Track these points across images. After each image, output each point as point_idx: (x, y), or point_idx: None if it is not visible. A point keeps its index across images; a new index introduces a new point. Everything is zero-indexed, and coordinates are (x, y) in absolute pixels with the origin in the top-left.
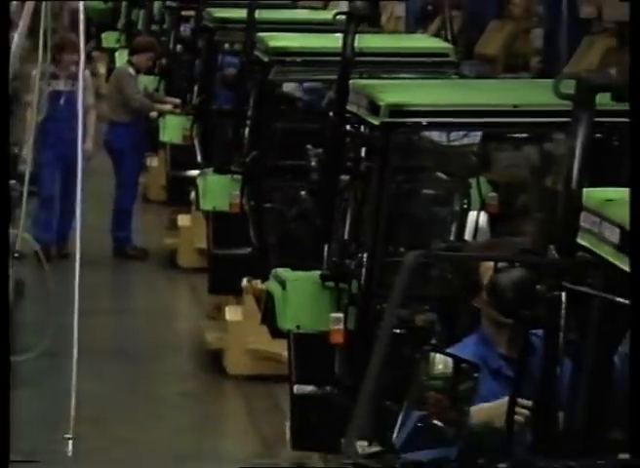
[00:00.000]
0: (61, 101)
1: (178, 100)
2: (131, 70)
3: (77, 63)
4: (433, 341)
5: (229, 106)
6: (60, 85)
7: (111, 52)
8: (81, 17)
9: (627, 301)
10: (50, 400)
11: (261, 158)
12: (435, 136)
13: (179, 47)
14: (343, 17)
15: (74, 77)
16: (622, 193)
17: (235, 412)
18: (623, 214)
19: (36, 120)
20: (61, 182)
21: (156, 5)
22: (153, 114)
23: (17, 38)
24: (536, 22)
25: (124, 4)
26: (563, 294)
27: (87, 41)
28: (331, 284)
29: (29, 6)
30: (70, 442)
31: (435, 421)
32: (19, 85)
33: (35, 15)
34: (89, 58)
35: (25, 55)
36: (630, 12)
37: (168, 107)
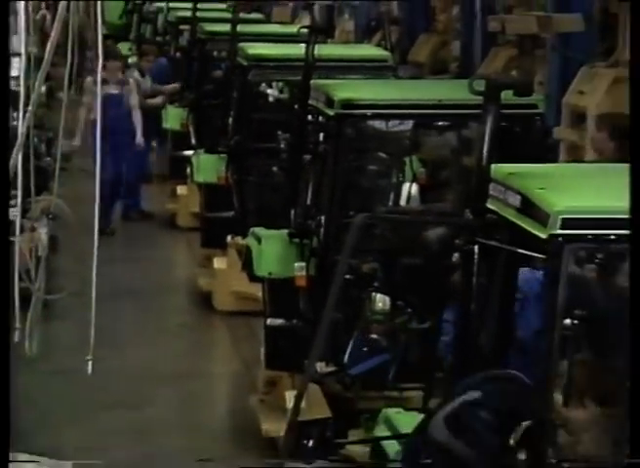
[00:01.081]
0: (112, 102)
1: (177, 85)
2: (136, 74)
3: (122, 70)
4: (375, 285)
5: (217, 101)
6: (111, 89)
7: (125, 58)
8: (99, 32)
9: (526, 252)
10: (75, 330)
11: (242, 141)
12: (377, 124)
13: (178, 54)
14: (306, 30)
15: (122, 82)
16: (522, 168)
17: (221, 340)
18: (523, 184)
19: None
20: (113, 168)
21: (160, 21)
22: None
23: (49, 46)
24: (455, 36)
25: (135, 20)
26: (476, 247)
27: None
28: (296, 240)
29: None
30: (90, 362)
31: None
32: (53, 84)
33: (64, 28)
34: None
35: (57, 60)
36: (630, 11)
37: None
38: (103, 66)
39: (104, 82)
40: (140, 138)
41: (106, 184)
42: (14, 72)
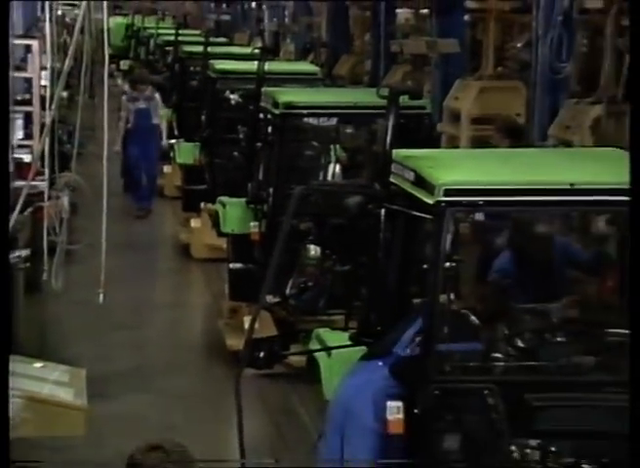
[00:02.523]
0: (140, 114)
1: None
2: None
3: (149, 88)
4: (310, 238)
5: (193, 103)
6: (141, 105)
7: (125, 72)
8: (106, 52)
9: (419, 214)
10: (89, 271)
11: (212, 133)
12: (311, 120)
13: (165, 69)
14: (258, 51)
15: (149, 99)
16: (415, 152)
17: (197, 280)
18: (416, 164)
19: (125, 128)
20: (141, 163)
21: (151, 44)
22: None
23: (67, 63)
24: (367, 56)
25: (133, 43)
26: (383, 210)
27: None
28: (252, 206)
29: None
30: (101, 295)
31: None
32: (73, 91)
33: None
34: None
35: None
36: (630, 12)
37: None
38: (135, 87)
39: (136, 99)
40: (165, 141)
41: (135, 177)
42: (43, 82)
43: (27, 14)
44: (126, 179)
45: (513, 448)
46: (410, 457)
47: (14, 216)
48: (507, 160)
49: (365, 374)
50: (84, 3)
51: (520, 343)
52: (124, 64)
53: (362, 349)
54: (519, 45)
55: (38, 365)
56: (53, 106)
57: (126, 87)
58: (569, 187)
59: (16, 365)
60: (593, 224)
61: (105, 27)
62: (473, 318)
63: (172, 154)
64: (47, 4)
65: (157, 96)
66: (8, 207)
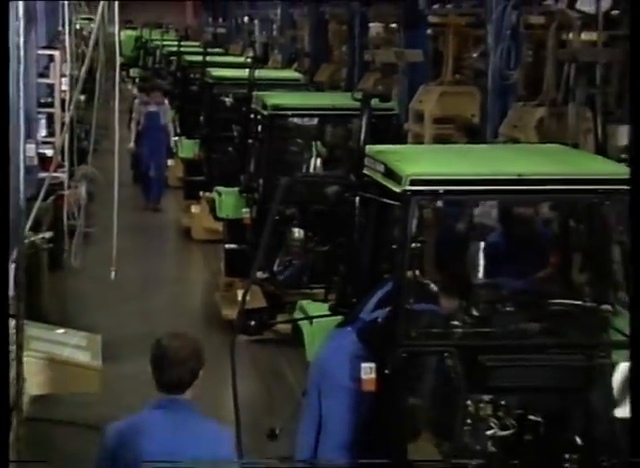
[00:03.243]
0: (151, 117)
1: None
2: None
3: (160, 94)
4: (294, 222)
5: (193, 105)
6: (152, 108)
7: (135, 78)
8: (117, 61)
9: (388, 201)
10: (103, 251)
11: (210, 131)
12: (295, 120)
13: (169, 76)
14: (250, 60)
15: (159, 103)
16: (385, 147)
17: (197, 258)
18: (386, 157)
19: (137, 129)
20: (151, 161)
21: (157, 54)
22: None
23: (83, 70)
24: (344, 64)
25: (141, 53)
26: (357, 198)
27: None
28: (244, 194)
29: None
30: (113, 271)
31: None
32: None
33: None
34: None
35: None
36: (630, 11)
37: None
38: (148, 94)
39: (148, 103)
40: (172, 140)
41: (145, 168)
42: (63, 87)
43: (50, 28)
44: (135, 172)
45: (469, 402)
46: (379, 412)
47: (37, 204)
48: (464, 154)
49: (338, 339)
50: (98, 18)
51: (475, 312)
52: (133, 72)
53: (339, 318)
54: (474, 55)
55: (60, 331)
56: (71, 108)
57: (135, 91)
58: (517, 178)
59: (40, 331)
60: (539, 210)
61: (117, 39)
62: (435, 290)
63: (175, 150)
64: (67, 19)
65: (166, 101)
66: (8, 207)
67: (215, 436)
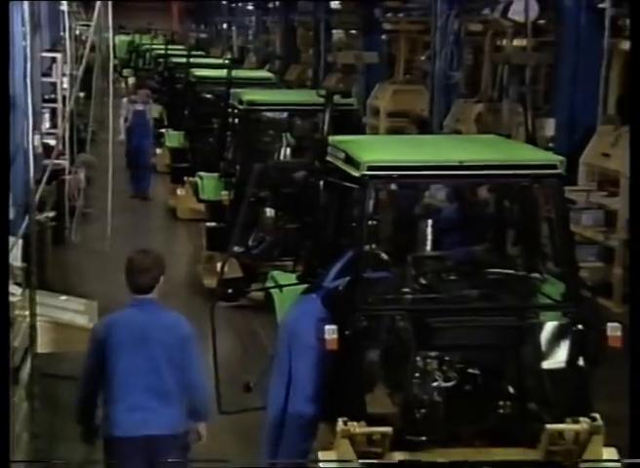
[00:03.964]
0: (139, 115)
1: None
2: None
3: (147, 93)
4: (267, 203)
5: (179, 101)
6: (139, 107)
7: (127, 77)
8: (111, 64)
9: (349, 184)
10: (99, 228)
11: (194, 123)
12: (268, 114)
13: (157, 77)
14: (228, 61)
15: (145, 102)
16: (346, 137)
17: (181, 234)
18: (346, 146)
19: (125, 125)
20: (138, 155)
21: (147, 56)
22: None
23: (80, 70)
24: (310, 65)
25: (133, 55)
26: (321, 182)
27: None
28: (223, 179)
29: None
30: (108, 246)
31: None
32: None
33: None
34: (116, 81)
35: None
36: (630, 11)
37: None
38: (136, 92)
39: (135, 102)
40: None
41: (133, 161)
42: (64, 85)
43: (53, 33)
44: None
45: (418, 358)
46: (341, 368)
47: (41, 187)
48: (414, 144)
49: (304, 305)
50: (94, 24)
51: (423, 280)
52: (126, 72)
53: (305, 286)
54: (422, 58)
55: (62, 298)
56: (71, 103)
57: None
58: (458, 164)
59: (45, 298)
60: (478, 191)
61: (111, 43)
62: (389, 260)
63: (162, 140)
64: (67, 25)
65: (151, 100)
66: (7, 206)
67: (174, 320)
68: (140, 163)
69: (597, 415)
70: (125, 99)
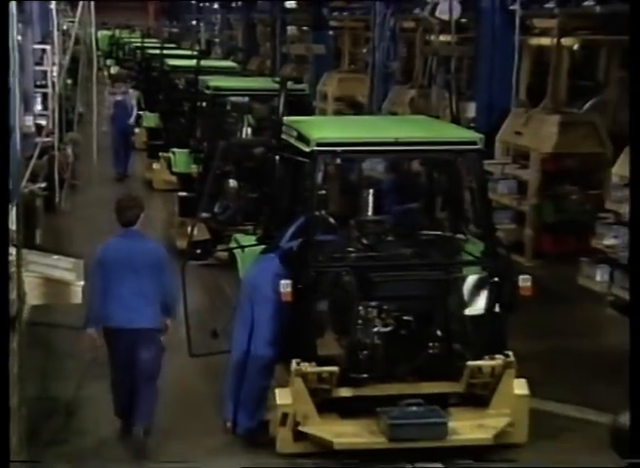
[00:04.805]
0: (119, 105)
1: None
2: (131, 90)
3: (125, 85)
4: (231, 175)
5: (155, 87)
6: (119, 97)
7: (109, 67)
8: (94, 55)
9: (301, 158)
10: (86, 197)
11: (168, 106)
12: (232, 98)
13: (135, 66)
14: (197, 53)
15: (124, 92)
16: (298, 118)
17: (157, 204)
18: (298, 125)
19: (108, 114)
20: (120, 141)
21: (127, 48)
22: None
23: (66, 60)
24: (268, 57)
25: (114, 48)
26: (277, 157)
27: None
28: (193, 154)
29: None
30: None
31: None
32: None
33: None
34: (100, 70)
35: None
36: (630, 11)
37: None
38: (114, 84)
39: (115, 93)
40: (133, 121)
41: (115, 145)
42: (54, 73)
43: (43, 28)
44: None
45: (360, 308)
46: (295, 316)
47: (33, 161)
48: (357, 123)
49: (263, 263)
50: (77, 21)
51: (365, 241)
52: (108, 62)
53: (264, 246)
54: (364, 51)
55: (54, 257)
56: (60, 88)
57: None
58: (394, 140)
59: (38, 257)
60: (412, 164)
61: (94, 37)
62: (336, 224)
63: (140, 121)
64: (55, 21)
65: (131, 90)
66: (7, 205)
67: (153, 244)
68: (122, 145)
69: (510, 353)
70: (106, 91)
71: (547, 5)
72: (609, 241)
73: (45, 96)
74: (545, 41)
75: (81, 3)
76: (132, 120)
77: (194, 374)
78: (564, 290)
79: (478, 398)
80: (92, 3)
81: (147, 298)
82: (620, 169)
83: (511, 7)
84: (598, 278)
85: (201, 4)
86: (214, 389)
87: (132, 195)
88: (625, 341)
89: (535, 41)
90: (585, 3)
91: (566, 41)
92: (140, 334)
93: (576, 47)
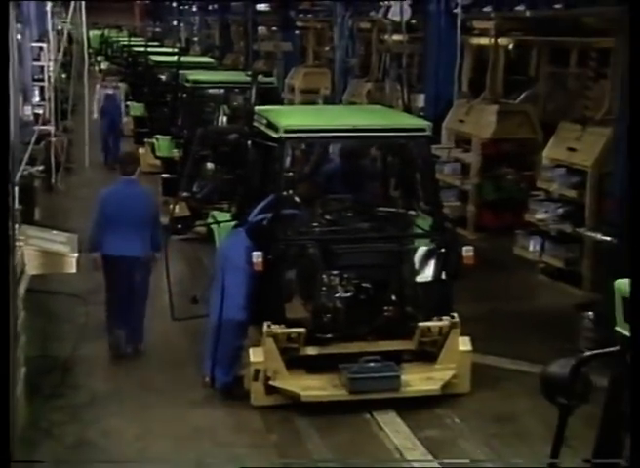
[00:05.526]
0: (110, 98)
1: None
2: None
3: (115, 79)
4: (208, 159)
5: (140, 81)
6: (109, 91)
7: (100, 62)
8: (86, 52)
9: (270, 143)
10: (79, 179)
11: (152, 97)
12: (209, 90)
13: (123, 62)
14: (177, 50)
15: (115, 87)
16: (268, 108)
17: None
18: (268, 114)
19: (98, 106)
20: (110, 131)
21: (115, 46)
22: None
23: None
24: (242, 53)
25: (105, 45)
26: (249, 142)
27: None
28: (175, 140)
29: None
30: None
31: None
32: (68, 73)
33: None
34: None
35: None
36: (630, 12)
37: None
38: (105, 79)
39: (106, 87)
40: (123, 116)
41: (105, 136)
42: (50, 68)
43: (40, 28)
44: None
45: (324, 276)
46: (265, 284)
47: (31, 146)
48: (320, 112)
49: (236, 236)
50: (69, 21)
51: (328, 217)
52: (99, 58)
53: (236, 222)
54: (327, 48)
55: (53, 232)
56: (53, 82)
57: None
58: (352, 127)
59: (37, 232)
60: (369, 150)
61: (85, 36)
62: (301, 203)
63: (127, 110)
64: (51, 22)
65: (120, 85)
66: (8, 204)
67: (146, 191)
68: (111, 136)
69: (455, 314)
70: (98, 85)
71: (485, 9)
72: (540, 215)
73: (42, 88)
74: (484, 40)
75: (73, 5)
76: (122, 112)
77: (179, 335)
78: (502, 259)
79: (427, 354)
80: (83, 5)
81: (139, 233)
82: (550, 152)
83: (454, 10)
84: (531, 248)
85: (181, 7)
86: (194, 348)
87: (132, 152)
88: (554, 302)
89: (475, 40)
90: (517, 7)
91: (502, 41)
92: (133, 262)
93: (510, 46)
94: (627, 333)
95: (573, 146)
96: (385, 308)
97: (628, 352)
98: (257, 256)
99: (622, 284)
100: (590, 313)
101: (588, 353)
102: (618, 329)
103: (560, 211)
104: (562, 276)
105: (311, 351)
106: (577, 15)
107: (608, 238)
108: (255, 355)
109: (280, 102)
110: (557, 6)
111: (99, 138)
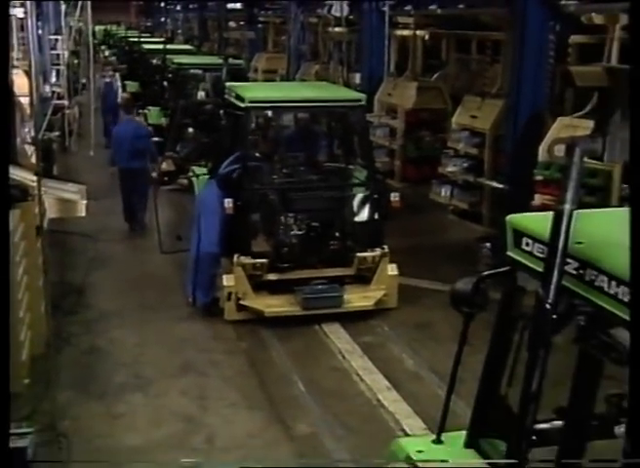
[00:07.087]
0: (108, 85)
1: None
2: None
3: (113, 69)
4: (189, 126)
5: (135, 65)
6: (107, 79)
7: (104, 51)
8: (92, 43)
9: (239, 112)
10: (88, 142)
11: (144, 77)
12: (190, 72)
13: (121, 50)
14: (164, 39)
15: (112, 76)
16: (237, 84)
17: None
18: (237, 89)
19: (99, 92)
20: (109, 114)
21: (116, 38)
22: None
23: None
24: (216, 42)
25: (107, 38)
26: (222, 111)
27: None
28: (163, 111)
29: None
30: (91, 152)
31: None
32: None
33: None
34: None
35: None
36: (630, 11)
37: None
38: (103, 69)
39: (104, 76)
40: (119, 97)
41: (105, 119)
42: (65, 55)
43: (56, 24)
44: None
45: (282, 217)
46: (235, 224)
47: (48, 117)
48: (278, 88)
49: (209, 186)
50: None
51: (285, 170)
52: (102, 48)
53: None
54: (283, 38)
55: (68, 183)
56: (67, 66)
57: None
58: (303, 99)
59: (54, 183)
60: (317, 117)
61: (90, 30)
62: (264, 159)
63: (125, 87)
64: (64, 19)
65: (117, 75)
66: (8, 203)
67: (144, 126)
68: (110, 118)
69: (386, 246)
70: (98, 75)
71: (407, 7)
72: (450, 168)
73: (58, 71)
74: (406, 32)
75: (80, 5)
76: (118, 95)
77: (167, 266)
78: (421, 203)
79: (364, 278)
80: (89, 5)
81: (140, 152)
82: (457, 119)
83: (383, 8)
84: (443, 194)
85: (168, 6)
86: (178, 273)
87: (130, 98)
88: (461, 236)
89: (399, 32)
90: (431, 7)
91: (420, 33)
92: (136, 171)
93: (426, 37)
94: (516, 258)
95: (475, 114)
96: (331, 242)
97: (516, 272)
98: (228, 202)
99: (512, 219)
100: (488, 243)
101: (486, 273)
102: (508, 253)
103: (465, 164)
104: (467, 215)
105: (272, 277)
106: (476, 13)
107: (501, 185)
108: (227, 280)
109: (246, 80)
110: (461, 6)
111: (101, 113)
